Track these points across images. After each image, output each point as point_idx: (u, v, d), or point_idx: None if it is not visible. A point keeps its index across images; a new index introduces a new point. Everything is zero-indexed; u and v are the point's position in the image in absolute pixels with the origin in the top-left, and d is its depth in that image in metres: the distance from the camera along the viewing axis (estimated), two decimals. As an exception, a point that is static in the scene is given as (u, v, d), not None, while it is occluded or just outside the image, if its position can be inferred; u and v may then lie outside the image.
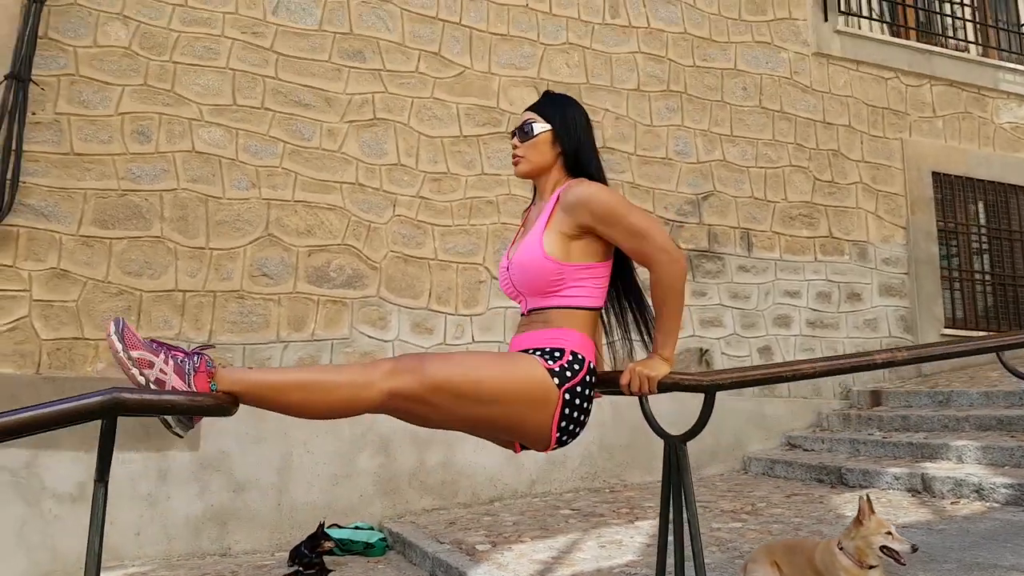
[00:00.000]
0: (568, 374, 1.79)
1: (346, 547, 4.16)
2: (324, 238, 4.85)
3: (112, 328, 1.57)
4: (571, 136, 1.95)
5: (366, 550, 4.15)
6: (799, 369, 2.10)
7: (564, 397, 1.77)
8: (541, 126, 1.96)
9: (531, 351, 1.84)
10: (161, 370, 1.57)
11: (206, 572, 3.94)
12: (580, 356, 1.82)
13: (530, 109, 2.00)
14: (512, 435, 1.85)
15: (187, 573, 3.93)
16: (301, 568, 3.76)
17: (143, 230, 4.48)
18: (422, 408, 1.73)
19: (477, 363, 1.77)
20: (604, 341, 2.08)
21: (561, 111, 1.97)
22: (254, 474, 4.43)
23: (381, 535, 4.29)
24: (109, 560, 4.02)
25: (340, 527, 4.34)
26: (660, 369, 1.86)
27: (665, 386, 1.89)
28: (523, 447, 1.89)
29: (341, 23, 5.07)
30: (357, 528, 4.35)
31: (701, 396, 1.97)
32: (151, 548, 4.18)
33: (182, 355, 1.62)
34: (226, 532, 4.33)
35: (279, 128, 4.83)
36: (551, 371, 1.77)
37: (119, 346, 1.55)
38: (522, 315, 1.96)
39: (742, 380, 2.07)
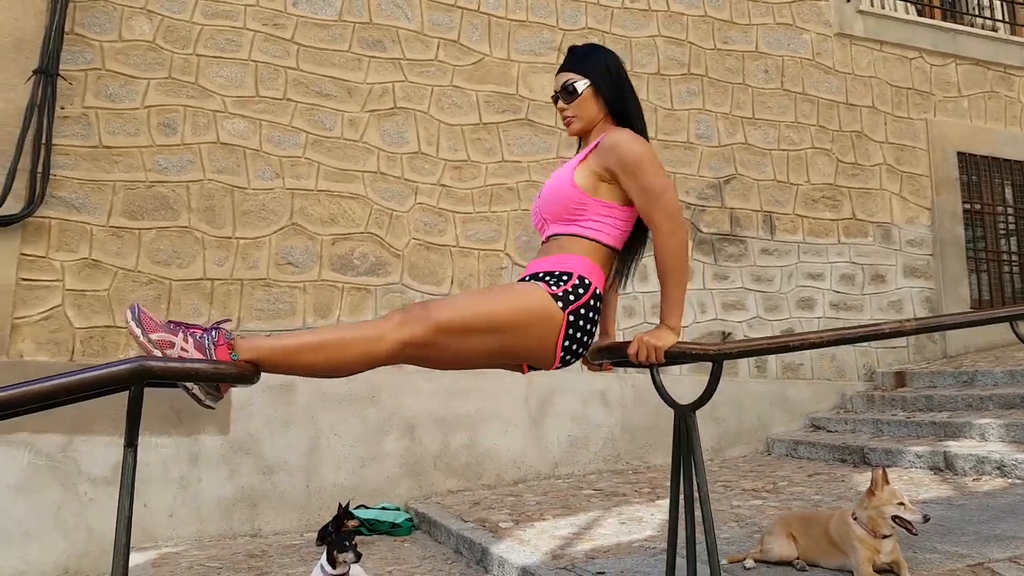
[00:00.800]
0: (571, 297, 1.85)
1: (373, 527, 4.24)
2: (347, 226, 4.92)
3: (129, 315, 1.62)
4: (612, 84, 2.01)
5: (392, 530, 4.23)
6: (806, 339, 2.12)
7: (568, 319, 1.84)
8: (583, 83, 2.01)
9: (540, 274, 1.91)
10: (182, 348, 1.62)
11: (237, 552, 4.04)
12: (587, 281, 1.88)
13: (564, 69, 2.05)
14: (519, 358, 1.91)
15: (219, 552, 4.03)
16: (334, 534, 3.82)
17: (171, 220, 4.57)
18: (435, 352, 1.78)
19: (481, 298, 1.85)
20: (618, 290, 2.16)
21: (595, 63, 2.02)
22: (283, 457, 4.52)
23: (407, 515, 4.37)
24: (144, 540, 4.14)
25: (367, 508, 4.42)
26: (667, 339, 1.91)
27: (672, 355, 1.93)
28: (531, 368, 1.96)
29: (360, 13, 5.12)
30: (384, 509, 4.43)
31: (721, 377, 2.02)
32: (183, 529, 4.29)
33: (200, 331, 1.67)
34: (256, 513, 4.43)
35: (301, 119, 4.90)
36: (555, 296, 1.84)
37: (138, 331, 1.61)
38: (542, 243, 2.04)
39: (747, 349, 2.11)
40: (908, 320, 2.33)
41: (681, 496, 2.15)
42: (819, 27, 6.38)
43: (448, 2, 5.34)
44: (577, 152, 2.13)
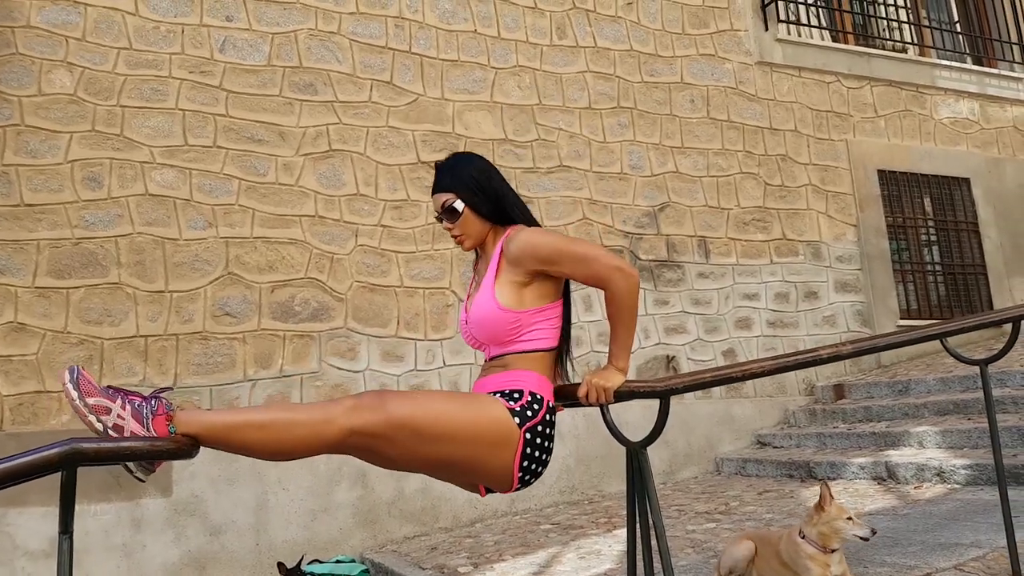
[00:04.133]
0: (528, 413, 1.83)
1: (328, 583, 4.13)
2: (286, 273, 4.84)
3: (67, 377, 1.56)
4: (485, 195, 1.99)
5: (348, 584, 4.13)
6: (748, 369, 2.17)
7: (525, 437, 1.81)
8: (460, 203, 1.99)
9: (491, 394, 1.88)
10: (119, 415, 1.57)
11: (186, 620, 3.88)
12: (539, 396, 1.87)
13: (438, 190, 2.02)
14: (474, 477, 1.87)
15: (166, 623, 3.87)
16: None
17: (100, 277, 4.42)
18: (383, 446, 1.72)
19: (439, 401, 1.80)
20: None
21: (462, 178, 2.00)
22: (230, 516, 4.38)
23: (363, 567, 4.26)
24: (84, 616, 3.94)
25: (321, 562, 4.30)
26: (615, 379, 1.93)
27: (621, 395, 1.96)
28: (488, 490, 1.91)
29: (290, 57, 5.09)
30: (338, 562, 4.32)
31: (672, 403, 2.05)
32: (127, 600, 4.10)
33: (139, 399, 1.61)
34: (204, 577, 4.27)
35: (233, 165, 4.82)
36: (512, 411, 1.81)
37: (75, 394, 1.54)
38: (485, 361, 2.02)
39: (694, 383, 2.15)
40: (844, 344, 2.41)
41: (638, 531, 2.16)
42: (740, 56, 6.63)
43: (379, 44, 5.35)
44: (476, 261, 2.13)
